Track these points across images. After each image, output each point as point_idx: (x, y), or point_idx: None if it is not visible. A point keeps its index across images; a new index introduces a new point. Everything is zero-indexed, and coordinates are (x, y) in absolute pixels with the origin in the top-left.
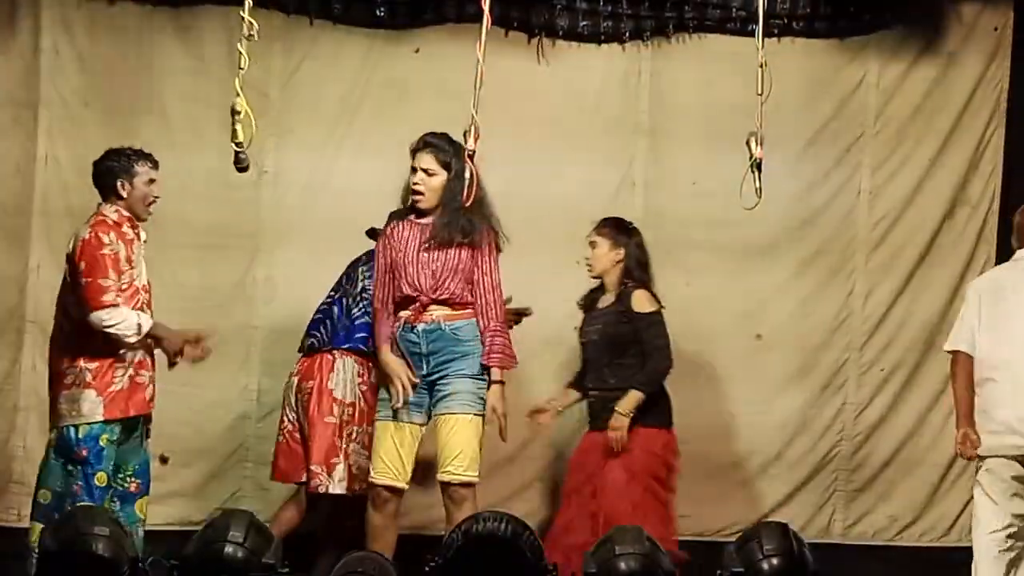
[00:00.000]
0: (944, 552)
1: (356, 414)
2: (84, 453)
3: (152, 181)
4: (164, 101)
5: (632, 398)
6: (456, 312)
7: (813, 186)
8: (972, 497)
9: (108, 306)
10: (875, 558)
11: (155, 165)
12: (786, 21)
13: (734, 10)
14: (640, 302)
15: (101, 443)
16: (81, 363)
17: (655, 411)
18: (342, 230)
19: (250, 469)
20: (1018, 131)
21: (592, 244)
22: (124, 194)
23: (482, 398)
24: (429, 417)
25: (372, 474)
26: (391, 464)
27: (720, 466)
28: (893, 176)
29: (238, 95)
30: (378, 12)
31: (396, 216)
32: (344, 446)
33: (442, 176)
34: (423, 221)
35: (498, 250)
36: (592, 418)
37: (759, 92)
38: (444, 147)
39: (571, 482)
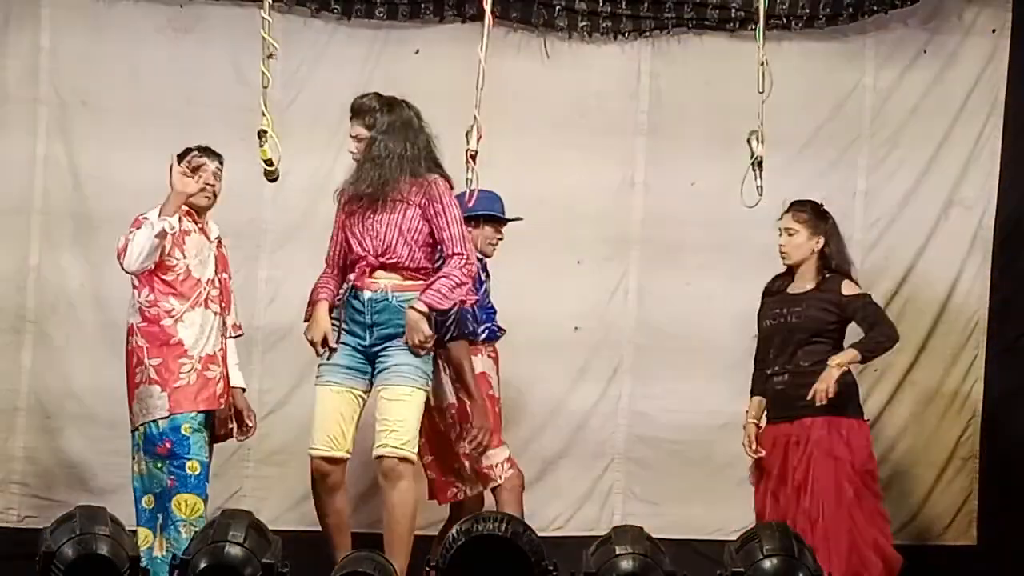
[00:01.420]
0: (941, 551)
1: (458, 413)
2: (169, 445)
3: (215, 173)
4: (164, 101)
5: (849, 355)
6: (406, 283)
7: (809, 187)
8: (968, 497)
9: (127, 242)
10: None
11: (211, 155)
12: (784, 21)
13: (733, 10)
14: (850, 287)
15: (184, 432)
16: (147, 361)
17: (855, 401)
18: None
19: (251, 469)
20: (1015, 133)
21: (788, 231)
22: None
23: (426, 373)
24: (369, 382)
25: (311, 446)
26: (328, 433)
27: (720, 466)
28: (889, 177)
29: (264, 115)
30: (378, 13)
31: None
32: (459, 449)
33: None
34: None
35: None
36: (778, 406)
37: (760, 90)
38: (370, 106)
39: (768, 483)
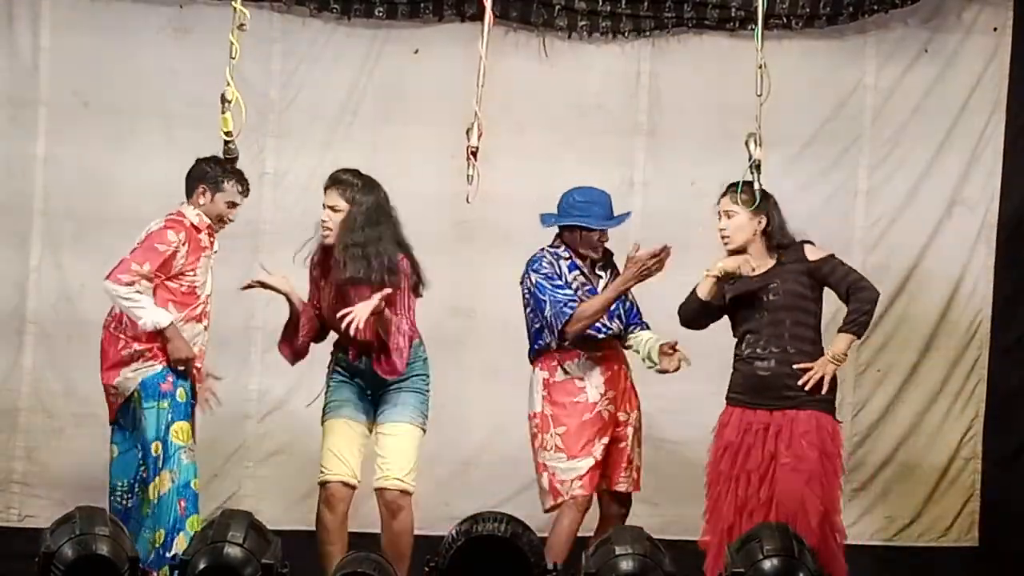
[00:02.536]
0: (942, 552)
1: (541, 422)
2: (171, 379)
3: (233, 205)
4: (164, 101)
5: (844, 341)
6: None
7: (810, 186)
8: (970, 498)
9: (124, 284)
10: (873, 558)
11: (245, 191)
12: (785, 21)
13: (733, 10)
14: (813, 251)
15: (174, 388)
16: (135, 345)
17: (829, 395)
18: None
19: (250, 469)
20: (1016, 131)
21: (727, 214)
22: (202, 201)
23: (424, 413)
24: (372, 421)
25: (325, 472)
26: (344, 460)
27: None
28: (891, 177)
29: (228, 84)
30: (377, 12)
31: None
32: (541, 459)
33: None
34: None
35: (415, 292)
36: (760, 392)
37: (758, 93)
38: (351, 182)
39: (728, 465)
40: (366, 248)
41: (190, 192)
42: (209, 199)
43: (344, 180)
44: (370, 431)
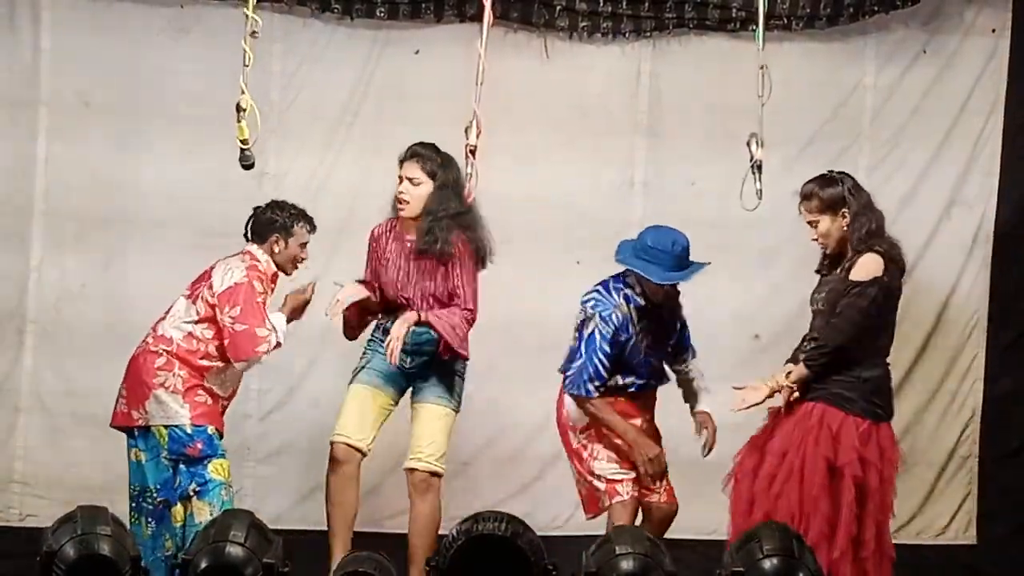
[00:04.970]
0: (941, 550)
1: (595, 432)
2: (200, 446)
3: (305, 244)
4: (165, 101)
5: (797, 371)
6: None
7: None
8: (968, 496)
9: (261, 354)
10: None
11: (312, 229)
12: (785, 22)
13: (734, 10)
14: (860, 268)
15: (210, 431)
16: (176, 370)
17: (859, 396)
18: (343, 231)
19: (251, 468)
20: (1014, 132)
21: (811, 224)
22: (277, 250)
23: (458, 394)
24: (399, 395)
25: (334, 433)
26: (351, 422)
27: (720, 466)
28: (890, 177)
29: (243, 92)
30: (378, 13)
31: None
32: (589, 468)
33: (428, 185)
34: (408, 233)
35: (478, 260)
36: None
37: (759, 94)
38: (431, 156)
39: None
40: (443, 221)
41: (261, 241)
42: (283, 246)
43: (423, 153)
44: (396, 403)
